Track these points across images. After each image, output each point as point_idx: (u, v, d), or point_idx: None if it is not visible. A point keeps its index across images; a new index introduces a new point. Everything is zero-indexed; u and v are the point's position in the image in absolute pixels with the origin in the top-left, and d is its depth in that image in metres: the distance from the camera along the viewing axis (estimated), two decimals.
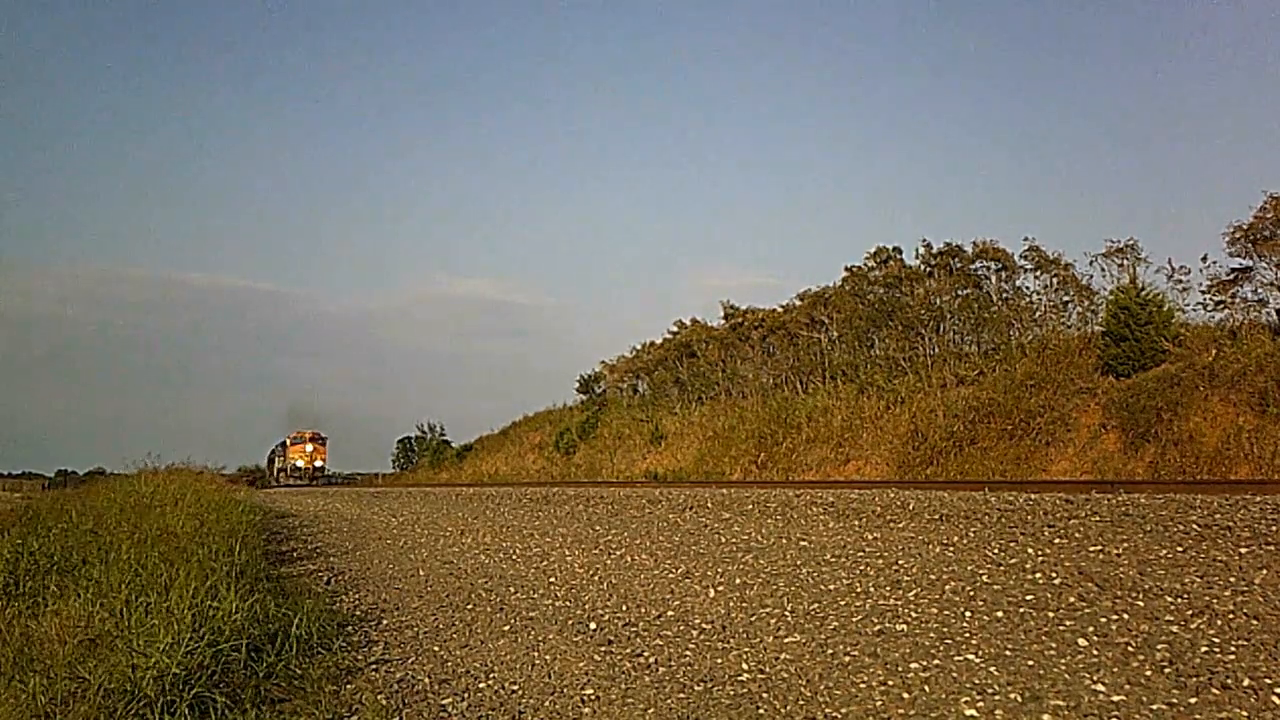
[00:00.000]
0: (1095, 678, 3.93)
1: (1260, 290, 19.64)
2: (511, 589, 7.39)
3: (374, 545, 11.73)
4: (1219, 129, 71.66)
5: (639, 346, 40.32)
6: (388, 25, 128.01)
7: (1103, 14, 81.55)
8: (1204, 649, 4.06)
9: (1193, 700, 3.63)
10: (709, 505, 9.80)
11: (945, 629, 4.79)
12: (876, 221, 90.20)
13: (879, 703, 4.02)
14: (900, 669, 4.35)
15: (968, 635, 4.65)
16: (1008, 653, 4.35)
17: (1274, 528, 5.50)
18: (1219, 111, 71.73)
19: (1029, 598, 5.03)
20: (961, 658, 4.36)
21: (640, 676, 4.77)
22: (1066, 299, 24.61)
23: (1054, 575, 5.32)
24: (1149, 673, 3.92)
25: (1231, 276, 20.01)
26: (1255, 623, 4.26)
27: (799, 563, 6.64)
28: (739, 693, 4.37)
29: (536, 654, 5.38)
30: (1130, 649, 4.17)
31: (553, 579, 7.62)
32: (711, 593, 6.27)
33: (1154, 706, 3.62)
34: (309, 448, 55.06)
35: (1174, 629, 4.32)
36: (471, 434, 52.08)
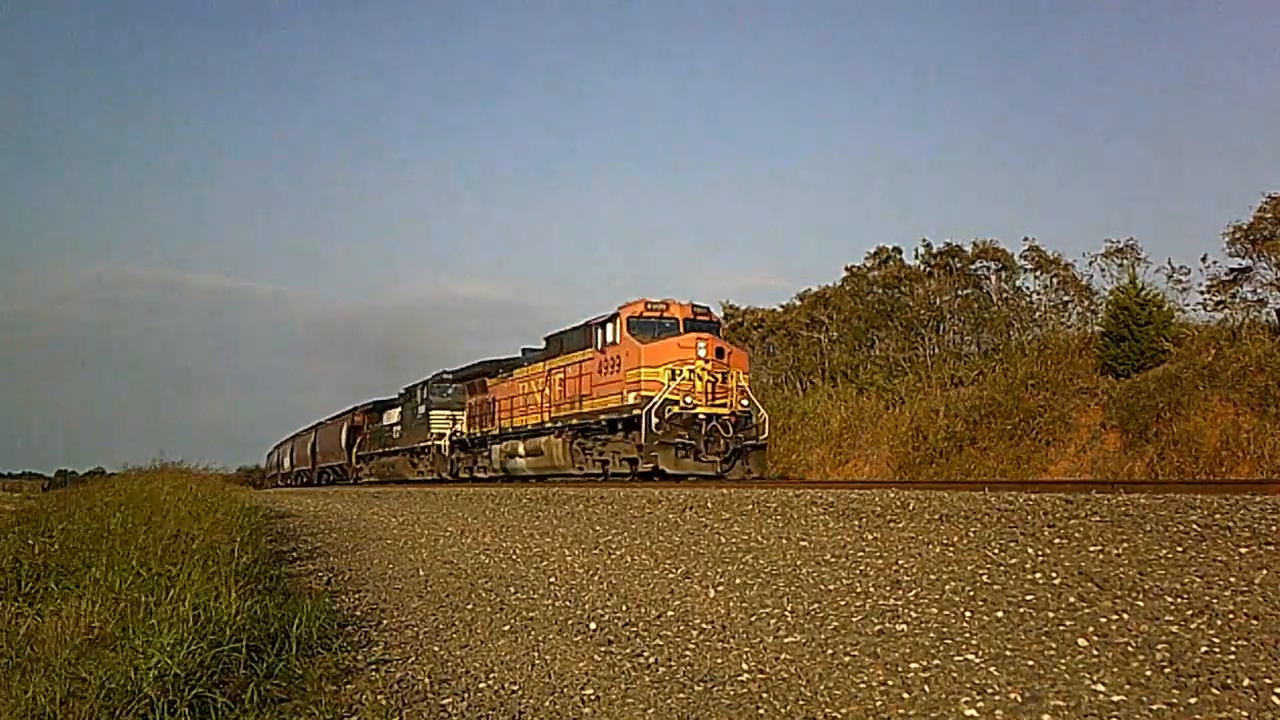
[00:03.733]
0: (1095, 678, 3.93)
1: (1260, 290, 19.70)
2: (511, 589, 7.39)
3: (374, 545, 11.73)
4: (1219, 129, 71.67)
5: None
6: (390, 26, 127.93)
7: (1103, 13, 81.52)
8: (1204, 649, 4.06)
9: (1193, 700, 3.63)
10: (709, 505, 9.79)
11: (945, 629, 4.79)
12: (876, 221, 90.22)
13: (879, 703, 4.02)
14: (900, 669, 4.35)
15: (968, 635, 4.65)
16: (1008, 653, 4.35)
17: (1274, 528, 5.50)
18: (1219, 112, 71.73)
19: (1029, 598, 5.03)
20: (961, 658, 4.36)
21: (640, 676, 4.77)
22: (1066, 299, 24.64)
23: (1054, 575, 5.32)
24: (1149, 673, 3.92)
25: (1231, 276, 20.05)
26: (1255, 623, 4.26)
27: (799, 563, 6.64)
28: (739, 693, 4.37)
29: (536, 654, 5.38)
30: (1130, 649, 4.17)
31: (553, 579, 7.62)
32: (711, 593, 6.27)
33: (1154, 706, 3.62)
34: (700, 347, 15.75)
35: (1174, 629, 4.32)
36: None
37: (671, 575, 6.99)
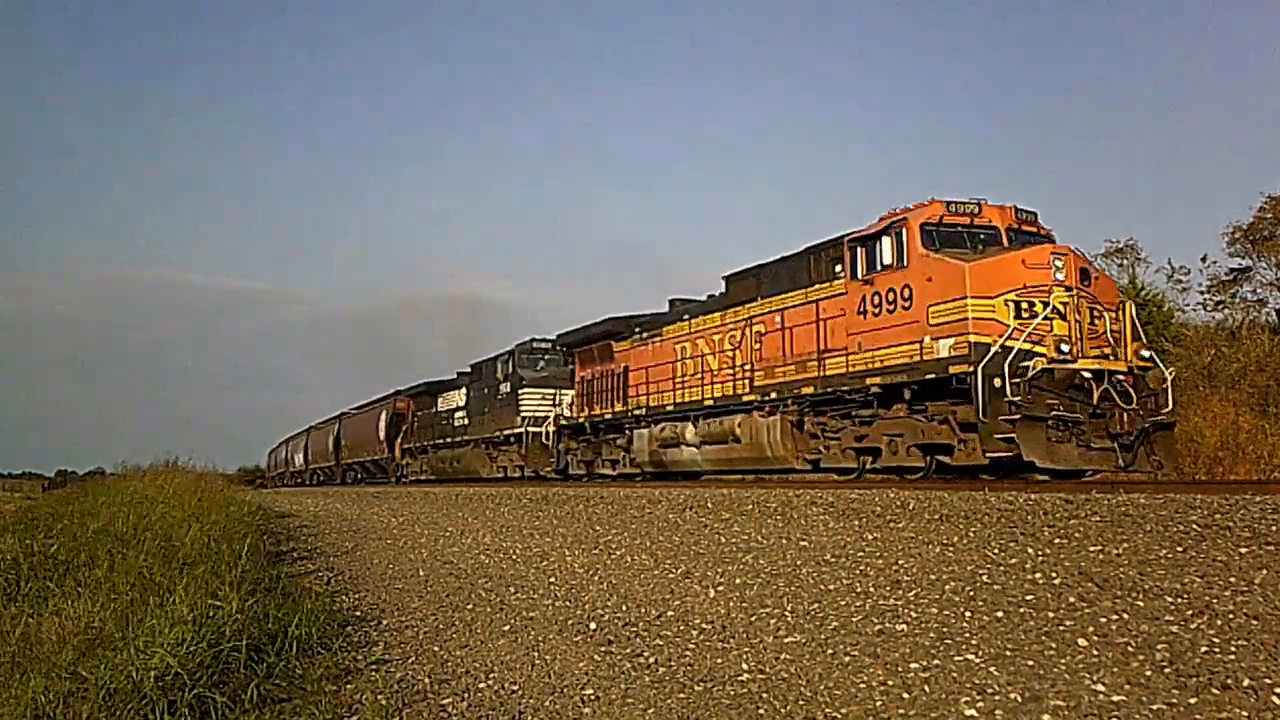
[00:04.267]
0: (1095, 678, 3.93)
1: (1260, 290, 19.72)
2: (511, 589, 7.39)
3: (374, 545, 11.73)
4: (1219, 129, 71.67)
5: None
6: (391, 26, 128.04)
7: (1103, 12, 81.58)
8: (1204, 649, 4.06)
9: (1193, 700, 3.63)
10: (709, 505, 9.80)
11: (945, 629, 4.79)
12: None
13: (879, 703, 4.02)
14: (900, 669, 4.35)
15: (968, 635, 4.65)
16: (1008, 653, 4.35)
17: (1274, 528, 5.50)
18: (1219, 111, 71.75)
19: (1029, 598, 5.04)
20: (961, 658, 4.36)
21: (640, 676, 4.77)
22: None
23: (1054, 575, 5.32)
24: (1149, 673, 3.92)
25: (1231, 276, 20.07)
26: (1255, 623, 4.26)
27: (799, 563, 6.64)
28: (739, 693, 4.37)
29: (536, 654, 5.38)
30: (1130, 649, 4.17)
31: (553, 579, 7.62)
32: (711, 593, 6.27)
33: (1154, 706, 3.63)
34: (1057, 265, 9.98)
35: (1174, 629, 4.32)
36: None
37: (671, 575, 6.99)
